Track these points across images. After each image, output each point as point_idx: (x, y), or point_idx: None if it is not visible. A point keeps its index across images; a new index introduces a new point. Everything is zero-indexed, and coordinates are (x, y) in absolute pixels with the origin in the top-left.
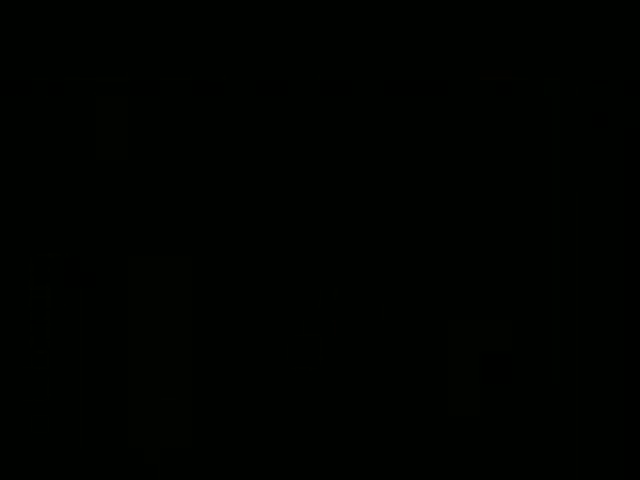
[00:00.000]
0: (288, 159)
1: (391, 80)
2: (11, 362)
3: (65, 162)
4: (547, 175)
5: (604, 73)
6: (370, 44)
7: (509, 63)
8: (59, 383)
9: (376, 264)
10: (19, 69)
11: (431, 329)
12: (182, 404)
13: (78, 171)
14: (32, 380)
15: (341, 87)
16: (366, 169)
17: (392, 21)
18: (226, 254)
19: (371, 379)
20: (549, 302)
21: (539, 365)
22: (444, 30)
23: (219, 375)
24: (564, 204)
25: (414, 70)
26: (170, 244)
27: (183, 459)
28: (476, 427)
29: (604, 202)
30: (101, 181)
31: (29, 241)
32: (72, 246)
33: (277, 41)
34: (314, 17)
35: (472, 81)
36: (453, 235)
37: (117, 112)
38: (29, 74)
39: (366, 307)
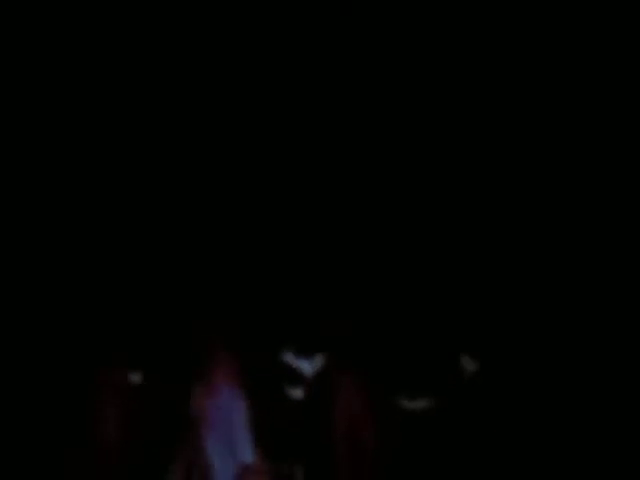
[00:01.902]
0: (288, 159)
1: (391, 80)
2: (11, 362)
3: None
4: (549, 175)
5: (603, 74)
6: (370, 44)
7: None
8: (59, 383)
9: (376, 264)
10: (19, 69)
11: (431, 329)
12: None
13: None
14: (32, 380)
15: (341, 87)
16: (366, 169)
17: (392, 21)
18: (226, 254)
19: (371, 379)
20: (549, 302)
21: (539, 365)
22: (444, 30)
23: None
24: (564, 204)
25: (414, 70)
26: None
27: None
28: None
29: (604, 202)
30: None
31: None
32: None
33: (277, 42)
34: (314, 17)
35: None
36: (453, 235)
37: None
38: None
39: (366, 307)
